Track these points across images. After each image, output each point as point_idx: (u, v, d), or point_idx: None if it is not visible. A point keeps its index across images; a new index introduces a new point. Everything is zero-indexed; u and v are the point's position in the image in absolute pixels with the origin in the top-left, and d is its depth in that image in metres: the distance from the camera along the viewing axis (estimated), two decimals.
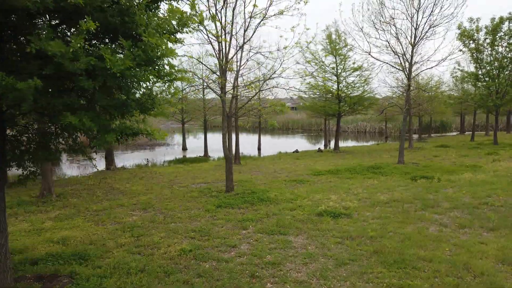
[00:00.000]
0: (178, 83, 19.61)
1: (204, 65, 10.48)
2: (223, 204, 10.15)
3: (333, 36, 24.99)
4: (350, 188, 12.31)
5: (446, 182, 12.77)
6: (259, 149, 31.30)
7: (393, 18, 17.22)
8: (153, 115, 4.99)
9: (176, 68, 4.91)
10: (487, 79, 27.88)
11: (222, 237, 7.38)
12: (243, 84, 11.71)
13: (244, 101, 12.55)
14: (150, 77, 4.41)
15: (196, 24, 9.04)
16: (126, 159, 25.28)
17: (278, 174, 16.06)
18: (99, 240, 7.33)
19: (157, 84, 5.16)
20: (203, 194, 11.76)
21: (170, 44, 4.57)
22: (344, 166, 17.48)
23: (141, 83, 4.75)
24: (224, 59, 11.13)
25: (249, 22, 11.38)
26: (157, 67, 4.35)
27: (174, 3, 5.05)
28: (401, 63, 17.64)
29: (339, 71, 25.44)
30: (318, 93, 26.60)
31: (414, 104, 28.12)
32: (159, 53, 4.03)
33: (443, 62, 17.39)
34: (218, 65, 11.15)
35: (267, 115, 30.01)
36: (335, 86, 25.75)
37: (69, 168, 22.35)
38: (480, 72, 28.08)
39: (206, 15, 7.46)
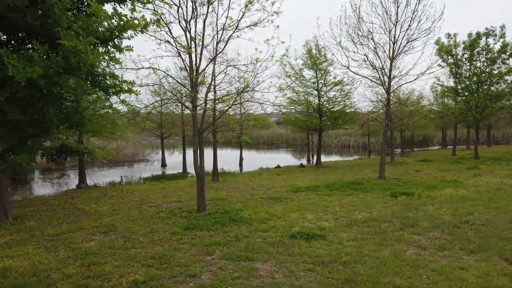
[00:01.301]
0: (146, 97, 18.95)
1: (172, 77, 9.94)
2: (192, 226, 9.49)
3: (313, 51, 24.85)
4: (328, 205, 11.79)
5: (427, 198, 12.36)
6: (240, 164, 30.71)
7: (371, 32, 17.08)
8: (89, 132, 4.39)
9: (119, 79, 4.36)
10: (466, 93, 28.06)
11: (183, 265, 6.72)
12: (214, 98, 11.17)
13: (221, 115, 12.02)
14: (85, 88, 3.84)
15: (156, 31, 8.54)
16: (102, 177, 24.38)
17: (256, 191, 15.47)
18: (45, 271, 6.59)
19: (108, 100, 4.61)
20: (172, 215, 11.07)
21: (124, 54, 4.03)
22: (324, 182, 17.00)
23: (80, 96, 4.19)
24: (194, 72, 10.61)
25: (222, 34, 10.96)
26: (91, 77, 3.80)
27: (119, 7, 4.53)
28: (379, 77, 17.43)
29: (320, 85, 25.23)
30: (299, 108, 26.28)
31: (396, 118, 28.04)
32: (86, 60, 3.47)
33: (422, 76, 17.22)
34: (189, 78, 10.62)
35: (247, 130, 29.61)
36: (316, 101, 25.49)
37: (42, 187, 21.32)
38: (459, 87, 28.26)
39: (151, 19, 6.95)
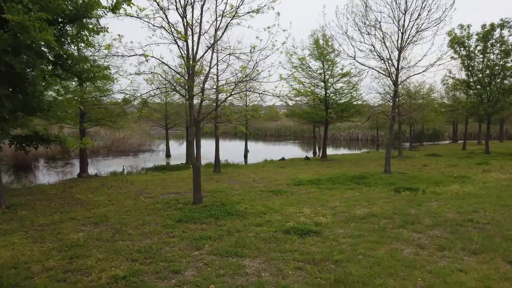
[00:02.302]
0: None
1: (167, 65, 9.60)
2: (185, 219, 9.23)
3: (320, 41, 24.27)
4: (328, 200, 11.44)
5: (431, 194, 11.92)
6: (245, 156, 30.40)
7: (379, 22, 16.49)
8: (54, 119, 4.09)
9: (90, 63, 4.04)
10: (478, 86, 27.27)
11: (168, 260, 6.45)
12: (216, 87, 10.82)
13: (218, 105, 11.70)
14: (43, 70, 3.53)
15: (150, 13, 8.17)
16: (105, 166, 24.30)
17: (256, 183, 15.16)
18: (26, 263, 6.38)
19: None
20: (168, 207, 10.83)
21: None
22: (327, 175, 16.62)
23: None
24: (191, 60, 10.26)
25: (221, 21, 10.56)
26: (59, 61, 3.49)
27: None
28: (387, 68, 16.88)
29: (327, 77, 24.68)
30: (305, 100, 25.79)
31: (404, 111, 27.41)
32: (34, 37, 3.14)
33: (431, 67, 16.61)
34: (185, 67, 10.28)
35: (251, 122, 29.27)
36: (323, 93, 24.98)
37: (45, 175, 21.27)
38: (471, 80, 27.47)
39: None
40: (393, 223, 8.61)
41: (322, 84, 25.04)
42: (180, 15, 10.24)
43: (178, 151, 33.45)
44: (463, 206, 10.14)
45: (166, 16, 9.85)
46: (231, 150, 35.59)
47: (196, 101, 11.19)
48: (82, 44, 6.02)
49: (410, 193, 12.14)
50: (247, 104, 28.33)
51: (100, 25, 6.56)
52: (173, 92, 9.82)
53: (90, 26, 6.03)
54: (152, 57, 9.37)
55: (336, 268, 5.96)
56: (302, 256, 6.51)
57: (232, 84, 10.71)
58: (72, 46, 5.96)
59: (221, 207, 10.44)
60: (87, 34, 6.21)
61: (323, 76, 24.75)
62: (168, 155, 29.84)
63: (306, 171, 18.80)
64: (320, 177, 15.99)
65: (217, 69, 16.87)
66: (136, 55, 8.82)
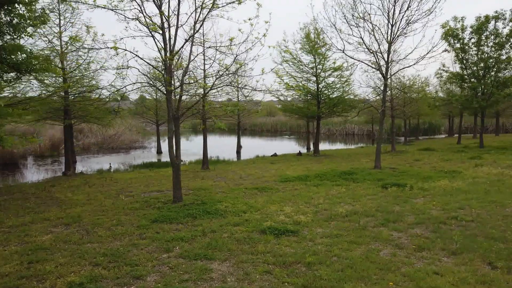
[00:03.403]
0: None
1: (142, 59, 9.22)
2: (161, 219, 8.90)
3: (312, 35, 23.87)
4: (313, 197, 11.13)
5: (419, 190, 11.62)
6: (238, 152, 30.07)
7: (369, 14, 16.11)
8: None
9: (27, 53, 3.69)
10: (472, 80, 26.93)
11: (133, 264, 6.13)
12: (189, 81, 10.44)
13: (198, 100, 11.31)
14: None
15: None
16: (94, 163, 23.94)
17: (243, 180, 14.84)
18: None
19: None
20: (146, 206, 10.51)
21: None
22: (316, 171, 16.30)
23: None
24: (168, 53, 9.88)
25: (200, 12, 10.16)
26: None
27: None
28: (376, 61, 16.51)
29: (318, 71, 24.31)
30: (296, 94, 25.41)
31: (397, 105, 27.08)
32: None
33: (422, 60, 16.25)
34: (162, 61, 9.90)
35: (244, 117, 28.92)
36: (314, 87, 24.61)
37: (32, 174, 20.88)
38: (465, 73, 27.11)
39: None
40: (374, 221, 8.31)
41: (314, 78, 24.68)
42: (156, 5, 9.87)
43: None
44: (450, 202, 9.84)
45: (141, 7, 9.48)
46: (225, 146, 35.26)
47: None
48: (17, 33, 5.67)
49: (397, 189, 11.83)
50: (239, 99, 28.01)
51: (46, 13, 6.21)
52: (151, 88, 9.46)
53: (27, 14, 5.66)
54: (125, 50, 9.01)
55: (306, 271, 5.65)
56: (273, 258, 6.20)
57: (212, 78, 10.33)
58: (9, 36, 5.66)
59: (201, 206, 10.13)
60: (24, 23, 5.84)
61: (314, 70, 24.39)
62: (159, 151, 29.50)
63: (295, 167, 18.48)
64: (308, 174, 15.67)
65: (204, 64, 16.56)
66: (106, 48, 8.45)
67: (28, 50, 3.58)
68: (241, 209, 9.76)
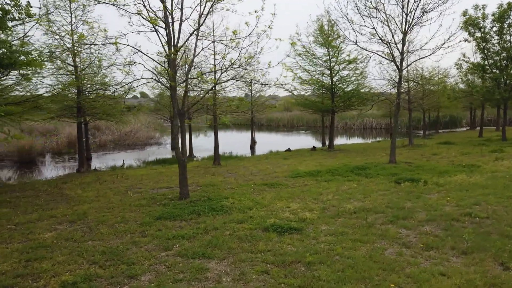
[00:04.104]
0: None
1: (144, 54, 9.09)
2: (165, 215, 8.80)
3: (325, 27, 23.38)
4: (322, 193, 10.85)
5: (433, 185, 11.18)
6: (251, 148, 29.88)
7: (382, 3, 15.58)
8: None
9: (6, 47, 3.58)
10: (494, 70, 25.92)
11: (130, 263, 6.02)
12: (195, 77, 10.29)
13: (204, 95, 11.16)
14: None
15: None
16: (109, 160, 24.18)
17: (253, 176, 14.65)
18: None
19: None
20: (153, 202, 10.44)
21: None
22: (328, 166, 15.97)
23: None
24: (172, 48, 9.73)
25: (205, 5, 9.95)
26: None
27: None
28: (390, 52, 15.99)
29: (332, 64, 23.82)
30: (310, 88, 25.01)
31: (414, 98, 26.33)
32: None
33: (438, 50, 15.65)
34: (166, 56, 9.75)
35: (258, 113, 28.69)
36: (328, 80, 24.14)
37: (48, 171, 21.21)
38: (486, 63, 26.11)
39: None
40: (383, 218, 7.98)
41: (328, 71, 24.21)
42: None
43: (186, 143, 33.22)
44: (465, 198, 9.41)
45: (144, 1, 9.33)
46: (239, 142, 35.13)
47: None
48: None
49: (411, 185, 11.42)
50: (252, 94, 27.78)
51: (31, 7, 6.14)
52: (157, 83, 9.34)
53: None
54: (127, 45, 8.91)
55: (305, 271, 5.42)
56: (273, 257, 5.99)
57: (218, 72, 10.14)
58: None
59: (207, 202, 9.99)
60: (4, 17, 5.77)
61: (328, 63, 23.91)
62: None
63: (308, 163, 18.17)
64: (320, 169, 15.35)
65: (214, 59, 16.38)
66: (105, 43, 8.35)
67: (8, 45, 3.52)
68: (247, 205, 9.58)
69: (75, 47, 16.77)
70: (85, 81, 17.27)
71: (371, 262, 5.59)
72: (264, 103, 28.03)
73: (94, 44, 7.81)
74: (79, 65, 17.86)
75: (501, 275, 4.97)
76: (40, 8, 12.56)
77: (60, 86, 15.60)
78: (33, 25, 9.81)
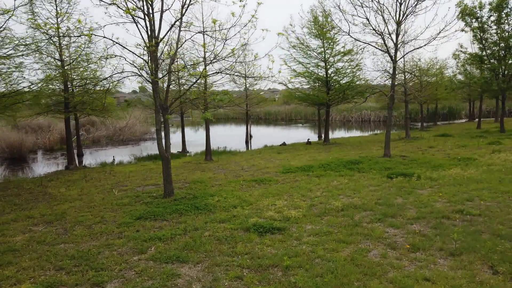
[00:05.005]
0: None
1: (121, 45, 8.68)
2: (146, 215, 8.46)
3: (320, 18, 22.90)
4: (312, 189, 10.50)
5: (426, 180, 10.82)
6: (246, 142, 29.50)
7: None
8: None
9: None
10: (492, 60, 25.46)
11: (99, 268, 5.67)
12: (176, 70, 9.87)
13: (186, 90, 10.75)
14: None
15: None
16: (101, 156, 23.82)
17: (244, 172, 14.30)
18: None
19: None
20: (136, 201, 10.10)
21: None
22: (321, 161, 15.60)
23: None
24: (152, 40, 9.31)
25: None
26: None
27: None
28: (384, 43, 15.55)
29: (327, 56, 23.36)
30: (304, 81, 24.57)
31: (411, 89, 25.88)
32: None
33: (433, 41, 15.20)
34: (146, 48, 9.33)
35: (253, 106, 28.27)
36: (323, 72, 23.70)
37: (38, 168, 20.83)
38: (484, 54, 25.64)
39: None
40: (371, 216, 7.63)
41: (323, 64, 23.76)
42: None
43: (180, 139, 32.80)
44: (458, 193, 9.06)
45: None
46: (235, 136, 34.73)
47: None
48: None
49: (403, 179, 11.06)
50: (247, 87, 27.33)
51: None
52: (132, 76, 8.93)
53: None
54: (104, 37, 8.50)
55: (281, 276, 5.07)
56: (250, 261, 5.64)
57: (201, 65, 9.74)
58: None
59: (191, 200, 9.65)
60: None
61: (323, 55, 23.45)
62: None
63: (301, 157, 17.81)
64: (313, 164, 14.99)
65: (204, 51, 15.91)
66: (81, 35, 7.94)
67: None
68: (232, 203, 9.24)
69: (59, 40, 16.30)
70: (73, 76, 16.83)
71: (352, 266, 5.24)
72: (258, 97, 27.58)
73: (67, 36, 7.42)
74: (66, 59, 17.41)
75: (489, 280, 4.62)
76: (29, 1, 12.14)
77: (42, 81, 15.18)
78: (8, 18, 9.36)
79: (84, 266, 5.80)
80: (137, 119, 36.14)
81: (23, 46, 10.19)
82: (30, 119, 18.56)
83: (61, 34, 7.47)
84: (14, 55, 10.30)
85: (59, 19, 16.56)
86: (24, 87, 11.05)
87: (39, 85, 11.35)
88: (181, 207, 8.97)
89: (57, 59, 16.77)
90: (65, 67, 16.67)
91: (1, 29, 9.51)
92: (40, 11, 15.89)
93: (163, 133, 10.38)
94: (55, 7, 16.77)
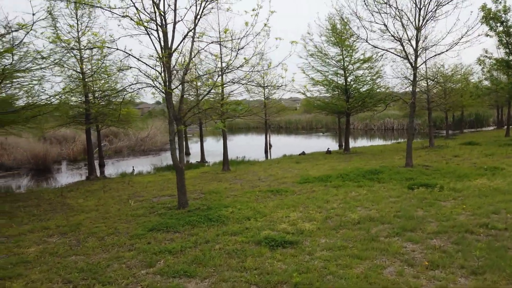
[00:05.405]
0: None
1: (134, 57, 8.73)
2: (159, 227, 8.38)
3: (338, 26, 22.65)
4: (329, 200, 10.21)
5: (450, 191, 10.35)
6: (266, 151, 29.32)
7: None
8: None
9: None
10: None
11: (106, 282, 5.61)
12: (188, 81, 9.85)
13: (200, 99, 10.70)
14: None
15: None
16: (121, 167, 24.13)
17: (261, 182, 14.12)
18: None
19: None
20: (150, 212, 10.07)
21: None
22: (340, 171, 15.24)
23: None
24: (166, 51, 9.33)
25: (201, 5, 9.51)
26: None
27: None
28: (403, 49, 15.16)
29: (346, 63, 23.04)
30: (323, 89, 24.28)
31: (435, 97, 25.18)
32: None
33: (455, 46, 14.71)
34: (159, 59, 9.35)
35: (272, 115, 28.14)
36: (342, 80, 23.36)
37: (61, 178, 21.26)
38: (511, 58, 24.69)
39: None
40: (389, 230, 7.30)
41: (342, 71, 23.43)
42: (153, 2, 9.33)
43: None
44: (483, 205, 8.59)
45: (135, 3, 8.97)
46: (256, 146, 34.58)
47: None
48: None
49: (425, 190, 10.62)
50: (267, 97, 27.24)
51: None
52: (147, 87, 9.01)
53: None
54: (117, 49, 8.58)
55: None
56: (258, 277, 5.44)
57: (215, 74, 9.69)
58: None
59: (205, 211, 9.53)
60: None
61: (342, 63, 23.15)
62: (187, 153, 29.39)
63: (320, 167, 17.48)
64: (331, 173, 14.65)
65: (221, 62, 15.94)
66: (92, 48, 8.04)
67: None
68: (245, 215, 9.06)
69: (80, 53, 16.66)
70: (94, 87, 17.15)
71: (365, 284, 4.96)
72: (277, 106, 27.43)
73: (82, 49, 7.52)
74: (88, 71, 17.77)
75: None
76: (46, 15, 12.46)
77: (59, 93, 15.46)
78: (27, 33, 9.60)
79: (91, 279, 5.74)
80: (158, 130, 36.57)
81: (41, 59, 10.41)
82: (53, 131, 18.99)
83: (75, 47, 7.58)
84: (32, 68, 10.55)
85: (79, 33, 16.99)
86: (41, 99, 11.30)
87: (57, 97, 11.59)
88: (194, 219, 8.86)
89: (78, 72, 17.15)
90: (86, 79, 17.02)
91: (21, 43, 9.75)
92: (62, 26, 16.30)
93: (177, 144, 10.35)
94: (76, 22, 17.20)
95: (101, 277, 5.80)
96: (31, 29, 9.11)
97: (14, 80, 11.51)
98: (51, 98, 11.63)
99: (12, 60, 9.42)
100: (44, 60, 9.88)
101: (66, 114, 16.86)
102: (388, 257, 5.94)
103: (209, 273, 5.77)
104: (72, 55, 16.27)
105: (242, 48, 9.46)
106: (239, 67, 9.67)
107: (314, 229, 7.59)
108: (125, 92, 9.48)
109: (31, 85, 12.07)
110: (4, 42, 10.46)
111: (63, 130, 24.34)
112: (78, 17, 17.05)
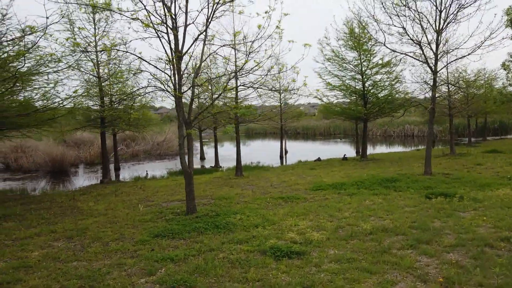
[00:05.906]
0: None
1: (145, 60, 8.63)
2: (165, 233, 8.20)
3: (356, 30, 22.24)
4: (341, 209, 9.84)
5: (470, 201, 9.83)
6: (281, 157, 29.00)
7: (414, 0, 14.32)
8: None
9: None
10: None
11: None
12: (198, 84, 9.69)
13: (210, 104, 10.54)
14: None
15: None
16: (136, 170, 24.23)
17: (273, 188, 13.82)
18: None
19: None
20: (158, 217, 9.92)
21: None
22: (356, 178, 14.81)
23: None
24: (175, 54, 9.21)
25: (213, 7, 9.36)
26: None
27: None
28: (423, 53, 14.67)
29: (364, 68, 22.57)
30: (340, 94, 23.84)
31: (457, 102, 24.40)
32: None
33: (478, 49, 14.13)
34: (169, 62, 9.24)
35: (288, 121, 27.83)
36: (360, 85, 22.89)
37: (77, 181, 21.49)
38: None
39: None
40: (402, 242, 6.90)
41: (360, 76, 22.97)
42: (165, 5, 9.24)
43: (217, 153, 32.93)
44: (505, 217, 8.07)
45: (146, 7, 8.90)
46: (272, 151, 34.28)
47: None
48: None
49: (444, 200, 10.12)
50: (285, 102, 27.02)
51: None
52: (158, 91, 8.92)
53: None
54: (126, 52, 8.50)
55: None
56: None
57: (224, 77, 9.50)
58: None
59: (212, 218, 9.31)
60: None
61: (360, 67, 22.69)
62: (202, 157, 29.37)
63: (335, 174, 17.06)
64: (346, 181, 14.24)
65: (235, 66, 15.81)
66: (102, 50, 7.96)
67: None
68: (254, 222, 8.79)
69: (97, 57, 16.78)
70: (112, 91, 17.25)
71: None
72: (294, 111, 27.13)
73: (97, 51, 7.48)
74: (104, 75, 17.91)
75: None
76: (60, 18, 12.58)
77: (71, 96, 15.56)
78: (41, 36, 9.65)
79: (88, 287, 5.56)
80: (174, 134, 36.75)
81: (55, 63, 10.46)
82: (69, 134, 19.20)
83: (87, 50, 7.56)
84: (45, 71, 10.61)
85: (97, 38, 17.14)
86: (54, 102, 11.35)
87: (69, 100, 11.63)
88: (201, 225, 8.65)
89: (95, 76, 17.30)
90: (102, 83, 17.16)
91: (33, 46, 9.81)
92: (78, 31, 16.47)
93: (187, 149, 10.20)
94: (93, 26, 17.37)
95: (98, 285, 5.63)
96: (44, 33, 9.11)
97: (30, 82, 11.61)
98: (63, 101, 11.67)
99: (24, 63, 9.48)
100: (56, 63, 9.92)
101: (84, 118, 17.01)
102: (400, 271, 5.56)
103: (209, 283, 5.53)
104: (89, 59, 16.43)
105: (254, 51, 9.26)
106: (251, 70, 9.45)
107: (323, 239, 7.26)
108: (137, 96, 9.31)
109: (47, 88, 12.15)
110: (20, 46, 10.55)
111: (79, 134, 24.58)
112: (95, 21, 17.23)
